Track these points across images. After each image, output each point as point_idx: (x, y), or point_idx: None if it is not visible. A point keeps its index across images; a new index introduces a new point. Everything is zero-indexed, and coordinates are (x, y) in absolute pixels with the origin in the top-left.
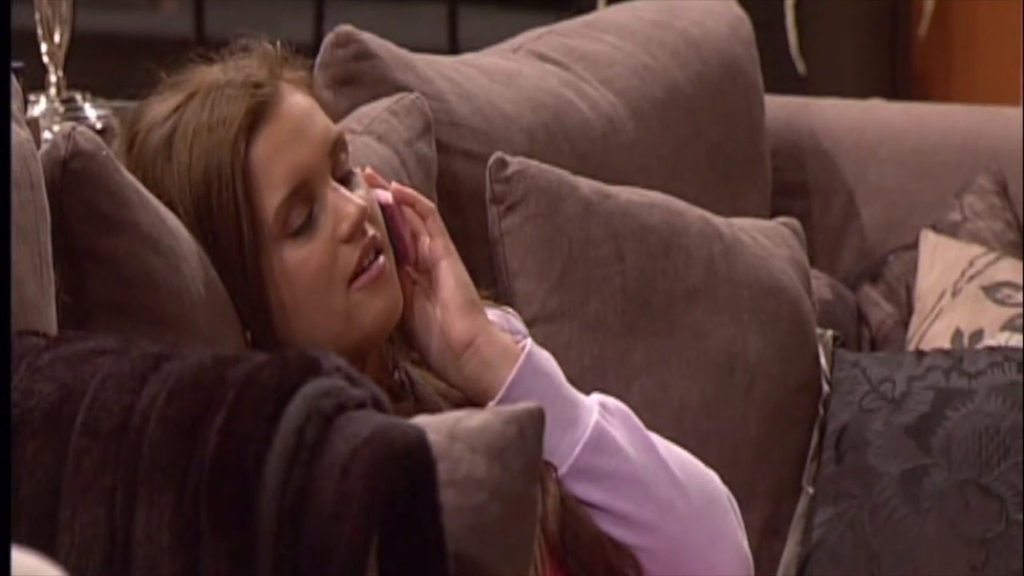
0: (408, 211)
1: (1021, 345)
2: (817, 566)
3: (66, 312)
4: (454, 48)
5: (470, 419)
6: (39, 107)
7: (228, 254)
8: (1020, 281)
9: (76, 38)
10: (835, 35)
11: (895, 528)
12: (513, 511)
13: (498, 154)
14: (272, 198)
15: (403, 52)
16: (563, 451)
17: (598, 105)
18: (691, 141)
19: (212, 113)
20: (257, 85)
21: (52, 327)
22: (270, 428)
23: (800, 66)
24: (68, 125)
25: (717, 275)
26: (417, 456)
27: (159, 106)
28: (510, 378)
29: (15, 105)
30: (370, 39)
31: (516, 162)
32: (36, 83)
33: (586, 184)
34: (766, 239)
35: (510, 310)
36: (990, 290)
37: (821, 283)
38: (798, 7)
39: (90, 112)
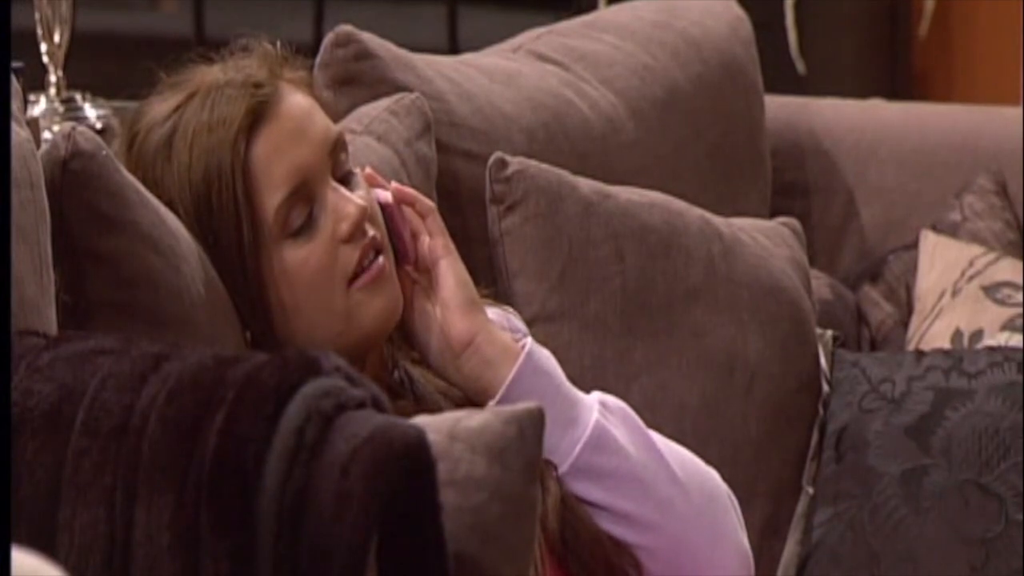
0: (408, 210)
1: (1021, 345)
2: (817, 566)
3: (66, 312)
4: (454, 48)
5: (470, 419)
6: (39, 107)
7: (228, 254)
8: (1020, 281)
9: (76, 38)
10: (835, 35)
11: (895, 528)
12: (513, 511)
13: (498, 154)
14: (272, 198)
15: (403, 52)
16: (563, 450)
17: (598, 105)
18: (691, 141)
19: (212, 113)
20: (257, 85)
21: (52, 327)
22: (270, 428)
23: (800, 66)
24: (68, 125)
25: (717, 275)
26: (417, 456)
27: (159, 106)
28: (510, 377)
29: (15, 105)
30: (370, 39)
31: (516, 162)
32: (36, 83)
33: (586, 184)
34: (766, 239)
35: (510, 309)
36: (990, 290)
37: (821, 283)
38: (798, 7)
39: (90, 112)
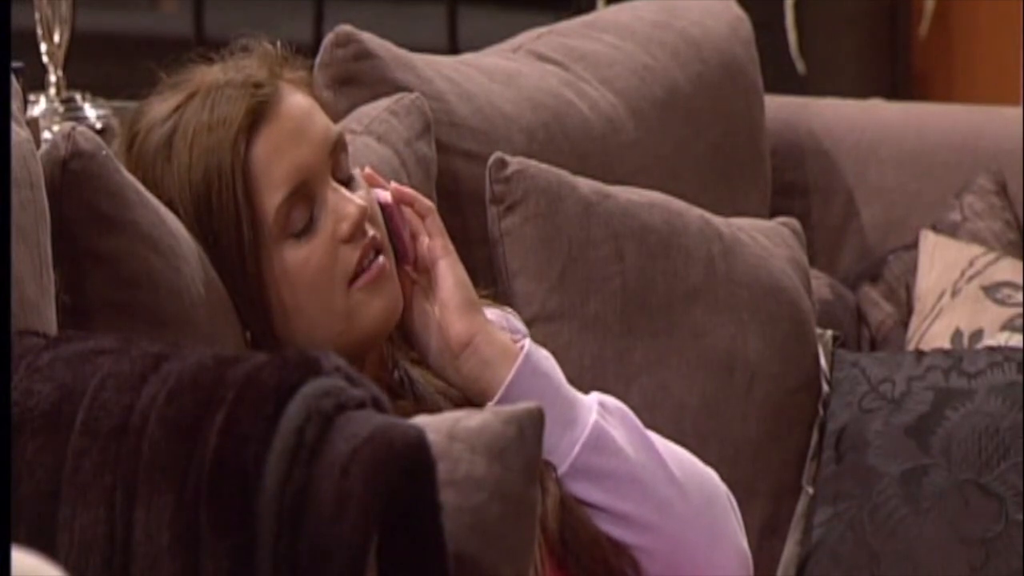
0: (407, 211)
1: (1021, 345)
2: (817, 566)
3: (66, 312)
4: (454, 48)
5: (470, 419)
6: (39, 107)
7: (228, 254)
8: (1020, 281)
9: (76, 38)
10: (835, 35)
11: (895, 528)
12: (513, 511)
13: (498, 154)
14: (272, 198)
15: (403, 52)
16: (562, 451)
17: (598, 105)
18: (691, 141)
19: (212, 113)
20: (257, 85)
21: (52, 327)
22: (270, 428)
23: (800, 66)
24: (68, 125)
25: (717, 275)
26: (417, 456)
27: (159, 106)
28: (509, 378)
29: (15, 105)
30: (370, 39)
31: (516, 162)
32: (36, 83)
33: (586, 184)
34: (766, 239)
35: (509, 309)
36: (990, 290)
37: (821, 283)
38: (798, 7)
39: (90, 112)
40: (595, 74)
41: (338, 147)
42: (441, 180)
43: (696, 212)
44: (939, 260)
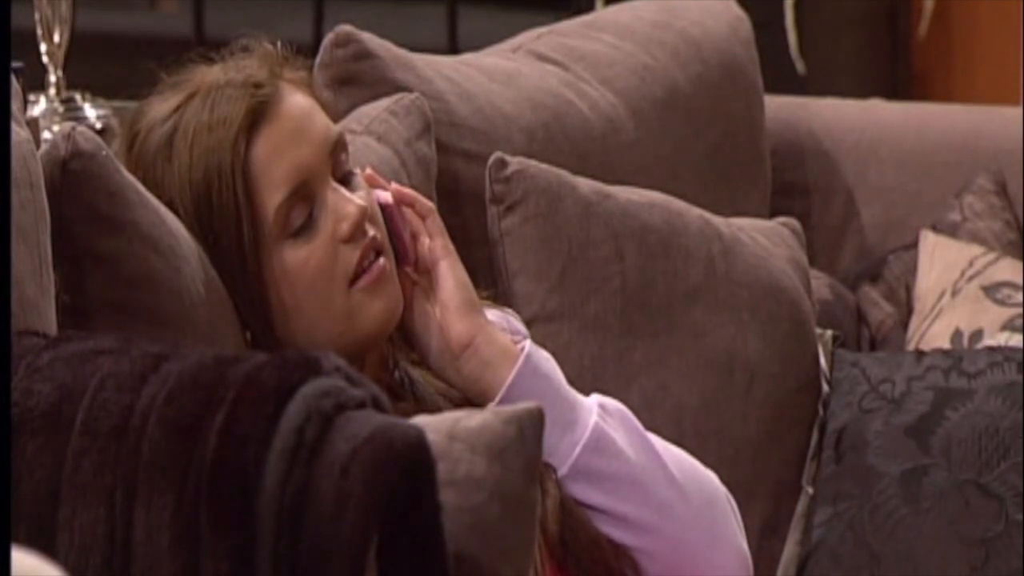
0: (408, 211)
1: (1021, 345)
2: (817, 566)
3: (66, 312)
4: (454, 48)
5: (469, 419)
6: (39, 107)
7: (228, 254)
8: (1020, 281)
9: (75, 38)
10: (835, 35)
11: (895, 528)
12: (513, 511)
13: (498, 154)
14: (272, 198)
15: (403, 52)
16: (562, 452)
17: (598, 105)
18: (691, 141)
19: (212, 113)
20: (257, 85)
21: (52, 327)
22: (270, 428)
23: (800, 66)
24: (68, 125)
25: (717, 275)
26: (417, 456)
27: (159, 106)
28: (509, 379)
29: (15, 105)
30: (370, 39)
31: (516, 162)
32: (36, 83)
33: (586, 184)
34: (766, 239)
35: (509, 311)
36: (990, 290)
37: (821, 283)
38: (798, 7)
39: (90, 112)
40: (595, 74)
41: (338, 147)
42: (441, 180)
43: (696, 212)
44: (939, 260)
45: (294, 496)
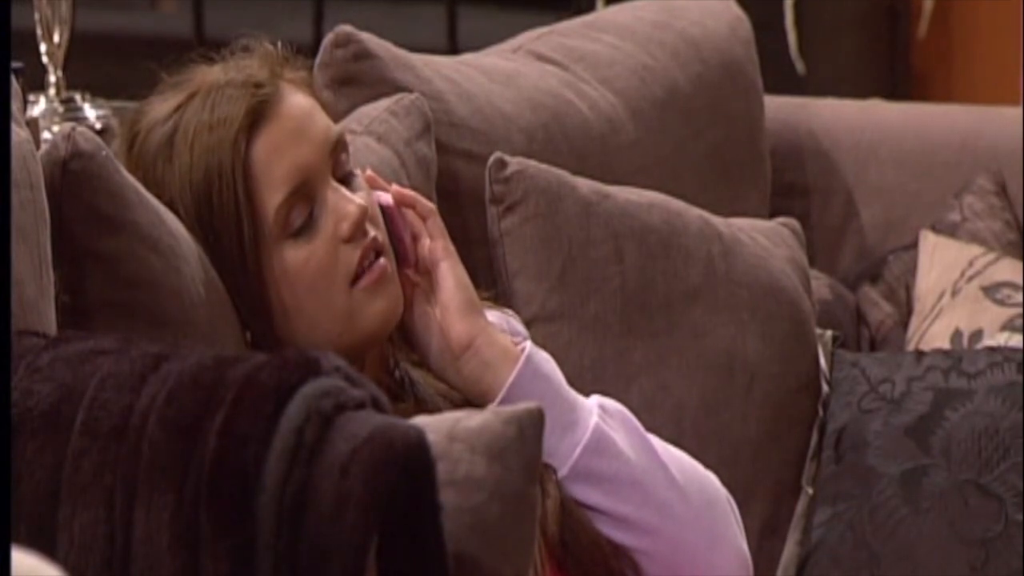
0: (408, 213)
1: (1020, 345)
2: (816, 566)
3: (66, 312)
4: (453, 48)
5: (469, 419)
6: (38, 107)
7: (229, 254)
8: (1019, 281)
9: (75, 38)
10: (834, 35)
11: (894, 528)
12: (513, 511)
13: (497, 154)
14: (272, 198)
15: (402, 52)
16: (562, 454)
17: (597, 105)
18: (690, 141)
19: (213, 113)
20: (258, 85)
21: (51, 327)
22: (270, 428)
23: (799, 66)
24: (68, 126)
25: (716, 275)
26: (416, 456)
27: (160, 106)
28: (510, 380)
29: (14, 105)
30: (369, 39)
31: (515, 162)
32: (36, 83)
33: (585, 184)
34: (765, 239)
35: (509, 312)
36: (989, 290)
37: (820, 283)
38: (797, 7)
39: (89, 112)
40: (595, 74)
41: (339, 147)
42: (441, 180)
43: (696, 212)
44: (939, 260)
45: (294, 496)
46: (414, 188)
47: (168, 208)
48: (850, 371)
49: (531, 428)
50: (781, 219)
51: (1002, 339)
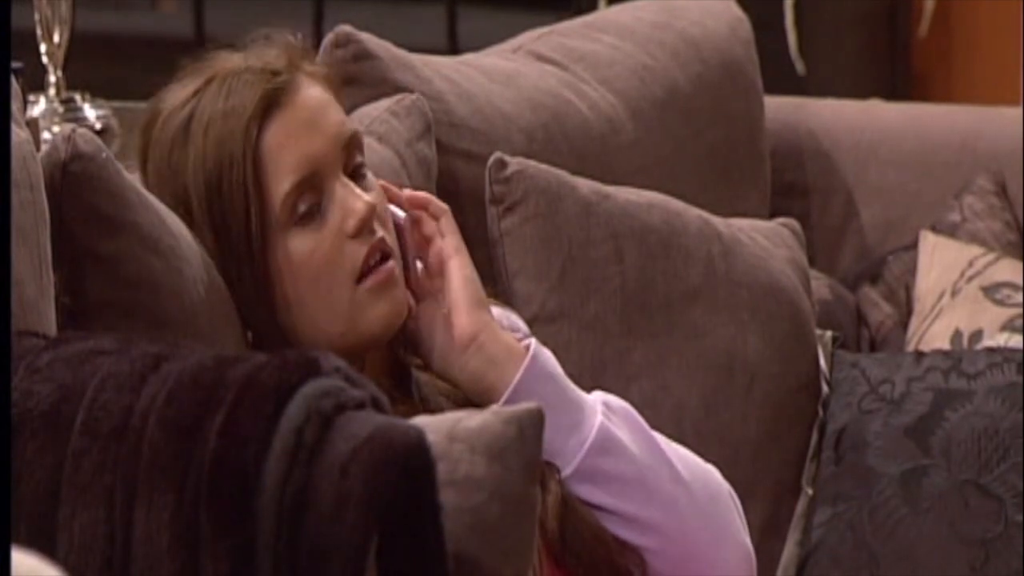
0: (422, 214)
1: (1020, 346)
2: (816, 567)
3: (66, 313)
4: (453, 48)
5: (469, 419)
6: (38, 107)
7: (236, 241)
8: (1019, 281)
9: (75, 38)
10: (834, 35)
11: (894, 529)
12: (513, 511)
13: (497, 154)
14: (281, 185)
15: (402, 52)
16: (568, 454)
17: (597, 105)
18: (690, 141)
19: (228, 99)
20: (275, 73)
21: (51, 328)
22: (270, 428)
23: (799, 66)
24: (68, 127)
25: (716, 275)
26: (416, 456)
27: (179, 92)
28: (515, 380)
29: (14, 106)
30: (369, 39)
31: (515, 162)
32: (36, 83)
33: (585, 184)
34: (765, 240)
35: (510, 309)
36: (989, 290)
37: (820, 284)
38: (797, 7)
39: (89, 112)
40: (595, 74)
41: (352, 143)
42: (441, 180)
43: (695, 212)
44: (939, 261)
45: (294, 496)
46: (415, 188)
47: (182, 194)
48: (850, 371)
49: (531, 428)
50: (781, 219)
51: (1002, 339)
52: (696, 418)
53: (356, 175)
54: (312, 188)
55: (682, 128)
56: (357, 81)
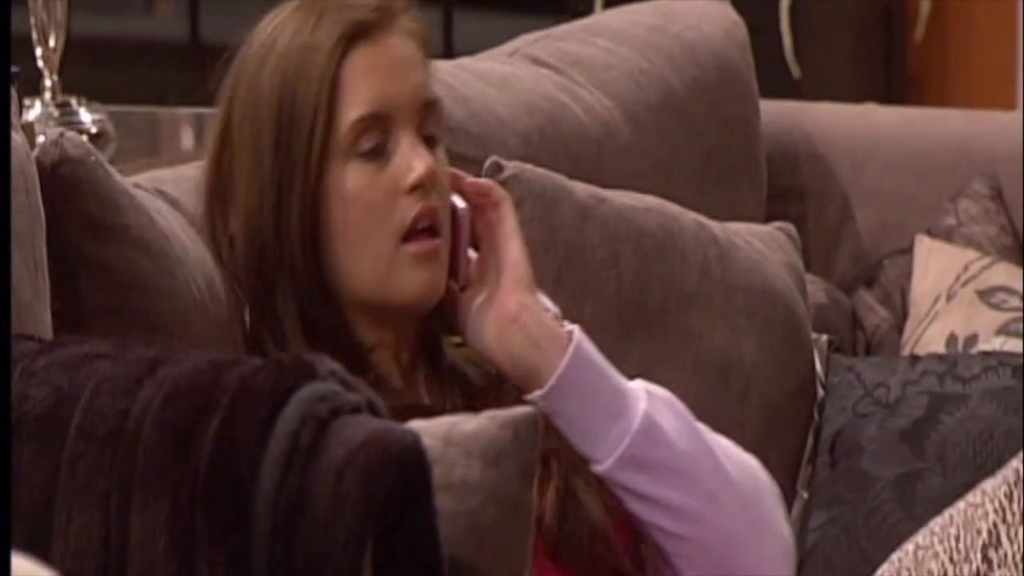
0: (486, 208)
1: (1016, 350)
2: (812, 570)
3: (60, 318)
4: (449, 52)
5: (465, 423)
6: (34, 112)
7: (296, 161)
8: (1015, 285)
9: (71, 42)
10: (830, 39)
11: (889, 533)
12: (508, 515)
13: (493, 158)
14: (351, 112)
15: None
16: (612, 441)
17: (593, 109)
18: (686, 145)
19: (321, 18)
20: (372, 9)
21: (47, 332)
22: (265, 432)
23: (795, 70)
24: (56, 131)
25: (712, 279)
26: (412, 460)
27: (273, 15)
28: (561, 367)
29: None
30: None
31: (511, 166)
32: (31, 88)
33: (581, 188)
34: (761, 243)
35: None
36: (985, 294)
37: (816, 287)
38: (793, 11)
39: (85, 116)
40: (590, 78)
41: (429, 108)
42: None
43: (691, 216)
44: (934, 264)
45: (290, 500)
46: None
47: (253, 108)
48: (845, 375)
49: (527, 431)
50: (777, 223)
51: (997, 343)
52: None
53: (428, 142)
54: (381, 128)
55: (678, 132)
56: None
